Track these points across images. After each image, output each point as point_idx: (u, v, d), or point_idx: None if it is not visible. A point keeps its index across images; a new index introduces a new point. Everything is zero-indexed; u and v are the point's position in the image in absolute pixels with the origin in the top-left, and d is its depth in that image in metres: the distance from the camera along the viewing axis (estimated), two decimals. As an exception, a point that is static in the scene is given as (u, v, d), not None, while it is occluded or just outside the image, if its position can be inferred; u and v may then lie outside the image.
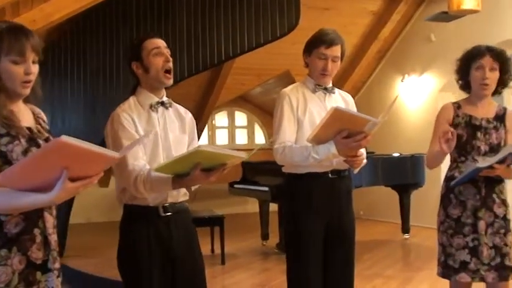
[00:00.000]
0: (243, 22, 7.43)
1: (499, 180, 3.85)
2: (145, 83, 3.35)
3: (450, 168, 3.95)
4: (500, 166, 3.57)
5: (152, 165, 3.12)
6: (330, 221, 3.85)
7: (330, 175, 3.84)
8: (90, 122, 8.03)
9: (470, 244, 3.77)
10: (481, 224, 3.77)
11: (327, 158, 3.65)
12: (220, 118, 14.56)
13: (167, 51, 3.34)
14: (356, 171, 3.94)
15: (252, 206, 11.03)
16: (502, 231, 3.80)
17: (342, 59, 3.93)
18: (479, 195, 3.80)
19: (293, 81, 5.37)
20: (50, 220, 2.42)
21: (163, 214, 3.26)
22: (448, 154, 3.92)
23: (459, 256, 3.79)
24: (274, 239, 8.51)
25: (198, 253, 3.44)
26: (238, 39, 7.43)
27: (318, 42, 3.84)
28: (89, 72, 8.05)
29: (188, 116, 3.50)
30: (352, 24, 10.76)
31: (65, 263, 7.42)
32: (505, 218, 3.83)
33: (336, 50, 3.85)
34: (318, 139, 3.59)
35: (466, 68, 3.92)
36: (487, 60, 3.81)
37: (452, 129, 3.67)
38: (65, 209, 8.00)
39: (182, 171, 2.96)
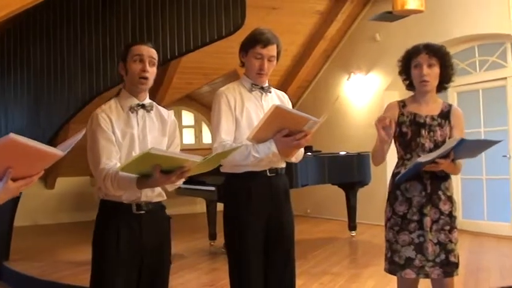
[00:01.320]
0: (188, 21, 7.39)
1: (445, 177, 3.90)
2: (126, 85, 3.51)
3: (397, 166, 3.99)
4: (444, 161, 3.61)
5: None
6: (269, 220, 3.89)
7: (267, 173, 3.88)
8: (34, 122, 7.91)
9: (416, 241, 3.81)
10: (427, 221, 3.80)
11: (267, 156, 3.69)
12: (167, 118, 14.45)
13: (149, 61, 3.45)
14: (293, 159, 3.98)
15: (201, 206, 11.01)
16: (447, 228, 3.83)
17: (277, 59, 3.96)
18: (425, 192, 3.84)
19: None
20: None
21: (135, 212, 3.37)
22: (396, 152, 3.98)
23: (404, 252, 3.83)
24: (222, 239, 8.43)
25: (166, 254, 3.56)
26: (183, 38, 7.40)
27: (254, 41, 3.87)
28: (32, 73, 7.92)
29: (171, 119, 3.61)
30: (299, 24, 10.82)
31: (11, 267, 7.31)
32: (450, 215, 3.86)
33: (272, 50, 3.88)
34: (258, 138, 3.64)
35: (407, 68, 3.99)
36: (423, 57, 3.86)
37: (388, 117, 3.73)
38: (9, 211, 7.86)
39: (145, 172, 3.07)
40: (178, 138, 3.67)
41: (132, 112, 3.42)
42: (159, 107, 3.61)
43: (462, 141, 3.52)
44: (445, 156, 3.60)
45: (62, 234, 10.82)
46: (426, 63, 3.86)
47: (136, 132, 3.41)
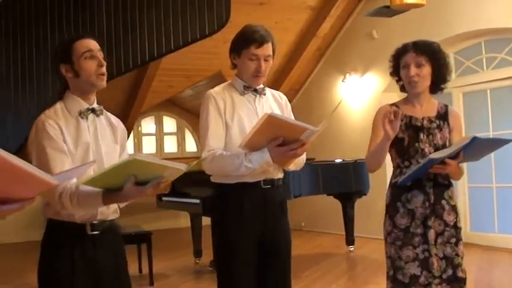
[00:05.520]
0: (169, 19, 7.37)
1: (448, 185, 3.85)
2: (75, 87, 3.28)
3: (394, 175, 3.92)
4: (454, 162, 3.58)
5: (80, 178, 2.98)
6: (263, 235, 3.81)
7: (262, 185, 3.80)
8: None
9: (421, 256, 3.75)
10: (431, 234, 3.75)
11: (261, 166, 3.63)
12: (147, 124, 14.46)
13: (100, 54, 3.29)
14: (292, 167, 3.93)
15: (184, 220, 10.98)
16: (453, 240, 3.78)
17: (273, 57, 3.88)
18: (428, 202, 3.77)
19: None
20: None
21: (90, 233, 3.19)
22: (391, 161, 3.94)
23: (409, 269, 3.76)
24: (208, 256, 8.44)
25: (125, 276, 3.40)
26: (163, 37, 7.37)
27: (247, 41, 3.77)
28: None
29: (120, 126, 3.47)
30: (288, 20, 10.76)
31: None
32: (455, 226, 3.81)
33: (268, 48, 3.79)
34: (251, 146, 3.58)
35: (397, 68, 3.96)
36: (410, 57, 3.83)
37: (395, 108, 3.70)
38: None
39: (114, 185, 2.90)
40: (127, 148, 3.53)
41: (82, 117, 3.24)
42: (107, 112, 3.44)
43: (475, 140, 3.46)
44: (454, 156, 3.58)
45: (8, 256, 10.62)
46: (414, 63, 3.81)
47: (89, 140, 3.24)
